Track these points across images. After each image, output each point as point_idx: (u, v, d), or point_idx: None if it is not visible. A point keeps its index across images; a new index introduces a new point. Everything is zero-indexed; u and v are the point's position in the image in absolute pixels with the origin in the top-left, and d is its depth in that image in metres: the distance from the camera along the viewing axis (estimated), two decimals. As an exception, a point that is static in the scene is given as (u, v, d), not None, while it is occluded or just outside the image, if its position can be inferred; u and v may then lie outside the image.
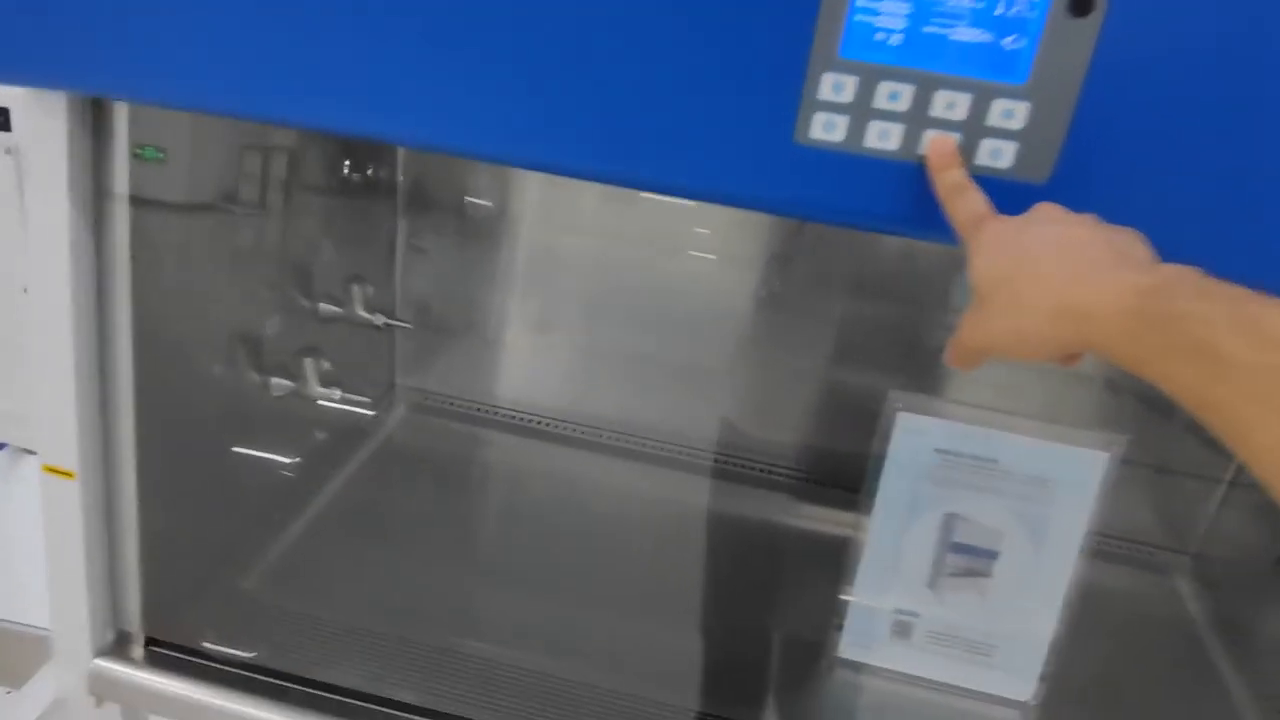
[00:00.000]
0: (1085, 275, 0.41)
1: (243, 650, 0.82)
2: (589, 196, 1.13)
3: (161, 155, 0.72)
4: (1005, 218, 0.47)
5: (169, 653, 0.82)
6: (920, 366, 1.07)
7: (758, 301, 1.11)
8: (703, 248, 1.10)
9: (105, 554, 0.79)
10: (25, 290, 0.72)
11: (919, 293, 1.06)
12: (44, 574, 0.79)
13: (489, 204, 1.15)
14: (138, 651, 0.82)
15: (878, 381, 1.05)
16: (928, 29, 0.47)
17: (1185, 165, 0.48)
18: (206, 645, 0.82)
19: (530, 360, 1.22)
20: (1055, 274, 0.42)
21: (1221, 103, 0.47)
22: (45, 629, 1.14)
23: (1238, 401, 0.35)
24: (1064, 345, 0.42)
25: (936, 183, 0.49)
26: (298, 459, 1.03)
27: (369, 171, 1.10)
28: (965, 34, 0.47)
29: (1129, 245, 0.43)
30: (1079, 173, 0.48)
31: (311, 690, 0.79)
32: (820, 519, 1.09)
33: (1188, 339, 0.36)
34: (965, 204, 0.48)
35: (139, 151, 0.70)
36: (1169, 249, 0.44)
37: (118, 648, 0.81)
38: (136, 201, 0.71)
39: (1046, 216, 0.46)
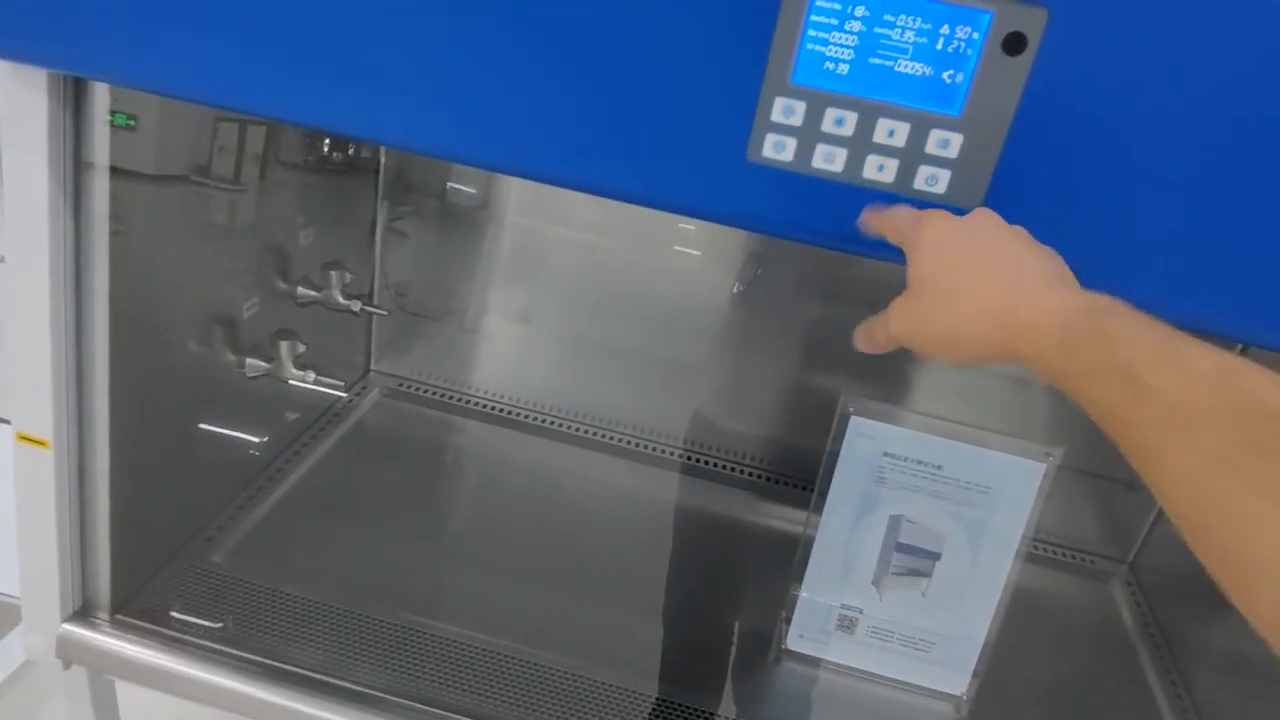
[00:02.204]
0: (1028, 289, 0.43)
1: (209, 620, 0.84)
2: (574, 187, 1.15)
3: (132, 123, 0.72)
4: (945, 215, 0.48)
5: (136, 620, 0.84)
6: (885, 371, 1.10)
7: (737, 299, 1.13)
8: (687, 243, 1.12)
9: (76, 522, 0.80)
10: (2, 259, 0.73)
11: (886, 298, 1.10)
12: (12, 542, 0.80)
13: (472, 191, 1.16)
14: (105, 617, 0.84)
15: (845, 384, 1.09)
16: (874, 60, 0.50)
17: (1105, 195, 0.52)
18: (173, 614, 0.85)
19: (505, 349, 1.24)
20: (1000, 284, 0.44)
21: (1140, 138, 0.50)
22: (11, 596, 1.15)
23: (1154, 427, 0.37)
24: (994, 352, 0.44)
25: (868, 231, 0.52)
26: (269, 438, 1.06)
27: (350, 151, 1.11)
28: (908, 66, 0.50)
29: (1057, 264, 0.45)
30: (1008, 200, 0.51)
31: (275, 662, 0.81)
32: (781, 516, 1.13)
33: (1115, 361, 0.38)
34: (892, 218, 0.51)
35: (109, 118, 0.70)
36: (1087, 274, 0.47)
37: (86, 613, 0.83)
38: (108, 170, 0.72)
39: (985, 224, 0.48)
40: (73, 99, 0.69)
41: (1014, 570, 0.85)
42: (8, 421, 0.78)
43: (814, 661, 0.91)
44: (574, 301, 1.20)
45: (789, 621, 0.90)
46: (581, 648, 0.88)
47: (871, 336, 0.52)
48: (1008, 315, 0.43)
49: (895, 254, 0.54)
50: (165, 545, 0.91)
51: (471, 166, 0.61)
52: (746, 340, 1.16)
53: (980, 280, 0.45)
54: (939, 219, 0.48)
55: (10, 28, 0.61)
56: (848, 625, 0.90)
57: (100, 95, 0.70)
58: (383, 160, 1.16)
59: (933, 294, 0.47)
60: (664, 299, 1.15)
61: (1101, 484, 1.12)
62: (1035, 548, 1.12)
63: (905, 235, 0.50)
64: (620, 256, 1.15)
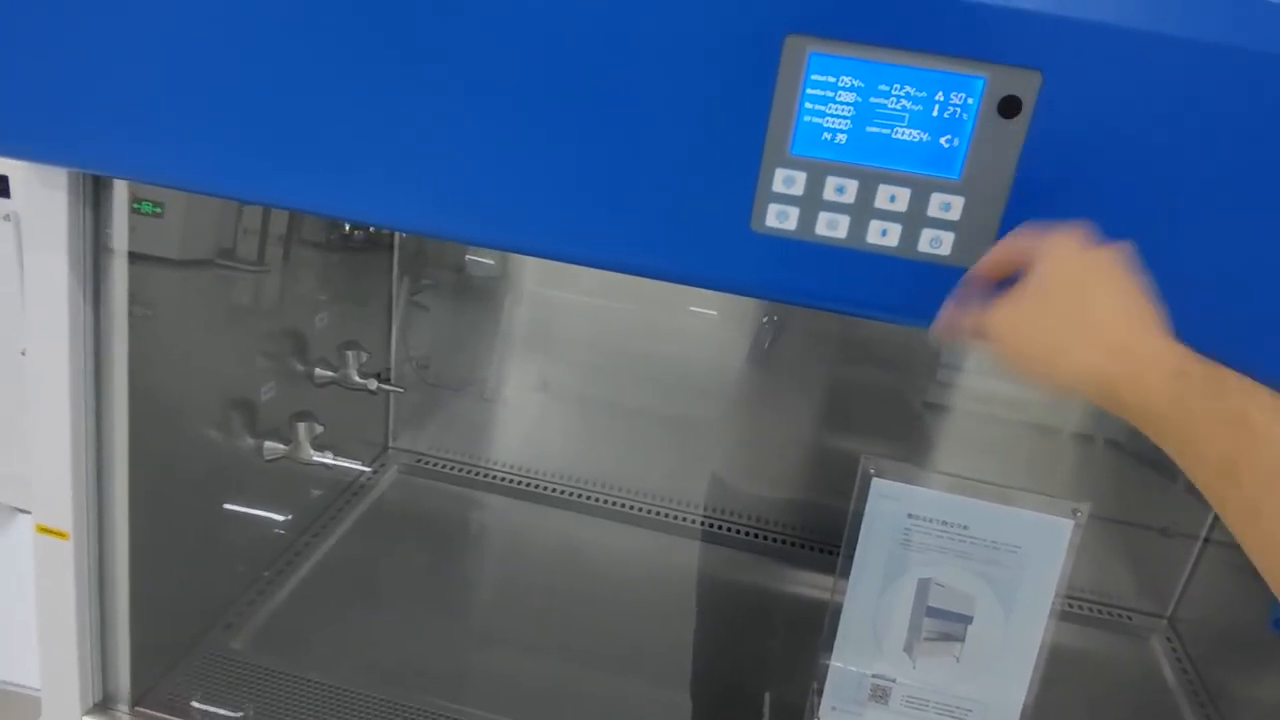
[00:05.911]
0: (1147, 330, 0.43)
1: (229, 710, 0.83)
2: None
3: (159, 210, 0.74)
4: (1077, 235, 0.47)
5: (157, 712, 0.83)
6: (906, 428, 1.09)
7: (756, 361, 1.13)
8: (704, 303, 1.12)
9: (96, 614, 0.80)
10: (24, 353, 0.74)
11: (903, 356, 1.10)
12: (33, 633, 0.80)
13: (490, 262, 1.18)
14: (126, 710, 0.83)
15: (866, 443, 1.07)
16: (871, 129, 0.51)
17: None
18: (194, 704, 0.84)
19: (524, 421, 1.24)
20: (1121, 319, 0.44)
21: (1137, 196, 0.50)
22: (32, 688, 1.15)
23: (1258, 481, 0.36)
24: (1092, 381, 0.43)
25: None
26: (288, 520, 1.05)
27: (370, 228, 1.12)
28: (905, 133, 0.51)
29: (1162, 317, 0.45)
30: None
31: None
32: (807, 581, 1.11)
33: (1228, 408, 0.38)
34: (1000, 250, 0.49)
35: (136, 206, 0.72)
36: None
37: (107, 706, 0.83)
38: (133, 257, 0.73)
39: (1116, 259, 0.46)
40: (92, 194, 0.71)
41: (1049, 630, 0.82)
42: (28, 512, 0.78)
43: (848, 733, 0.88)
44: (593, 369, 1.20)
45: (820, 693, 0.88)
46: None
47: (954, 324, 0.50)
48: (1124, 351, 0.43)
49: (896, 316, 0.53)
50: (185, 633, 0.91)
51: (479, 246, 0.61)
52: (766, 402, 1.16)
53: (1105, 309, 0.44)
54: (1072, 239, 0.47)
55: (30, 130, 0.62)
56: (881, 695, 0.87)
57: (119, 189, 0.71)
58: (398, 237, 1.17)
59: (1052, 305, 0.45)
60: (682, 362, 1.15)
61: (1136, 533, 1.09)
62: (1070, 605, 1.09)
63: (1028, 246, 0.48)
64: (639, 320, 1.16)
